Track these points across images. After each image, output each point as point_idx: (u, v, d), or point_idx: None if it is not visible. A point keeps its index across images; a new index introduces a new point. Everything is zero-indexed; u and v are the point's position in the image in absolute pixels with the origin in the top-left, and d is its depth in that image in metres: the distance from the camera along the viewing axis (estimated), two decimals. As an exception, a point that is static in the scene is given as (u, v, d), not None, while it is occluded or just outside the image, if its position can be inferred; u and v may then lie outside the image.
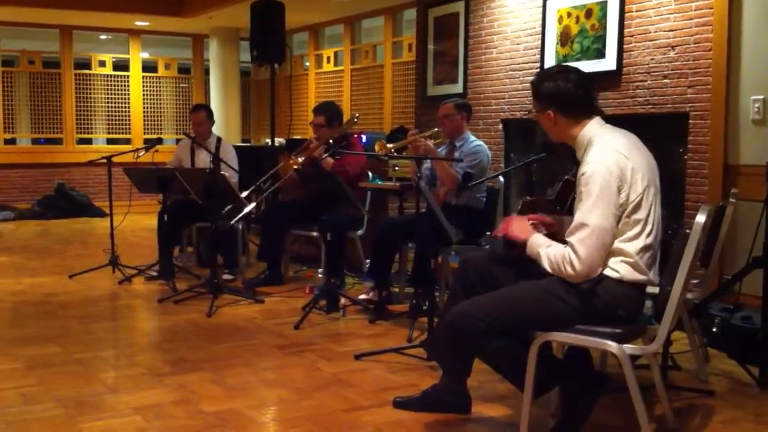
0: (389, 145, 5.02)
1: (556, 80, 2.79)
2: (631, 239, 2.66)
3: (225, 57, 11.08)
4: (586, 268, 2.62)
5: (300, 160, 5.35)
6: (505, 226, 2.92)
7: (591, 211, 2.61)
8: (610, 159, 2.64)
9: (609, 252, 2.66)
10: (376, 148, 5.01)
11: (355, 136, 6.55)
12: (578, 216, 2.65)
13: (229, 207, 5.26)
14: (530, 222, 2.92)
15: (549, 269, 2.70)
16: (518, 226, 2.87)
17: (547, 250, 2.72)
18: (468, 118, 5.16)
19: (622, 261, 2.67)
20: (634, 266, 2.67)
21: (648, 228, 2.67)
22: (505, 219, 3.00)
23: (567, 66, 2.93)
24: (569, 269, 2.63)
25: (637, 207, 2.65)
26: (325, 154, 5.33)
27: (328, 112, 5.70)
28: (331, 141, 5.48)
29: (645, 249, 2.68)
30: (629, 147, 2.71)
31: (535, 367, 2.74)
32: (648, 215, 2.67)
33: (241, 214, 5.23)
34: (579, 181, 2.67)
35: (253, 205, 5.60)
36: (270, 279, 5.73)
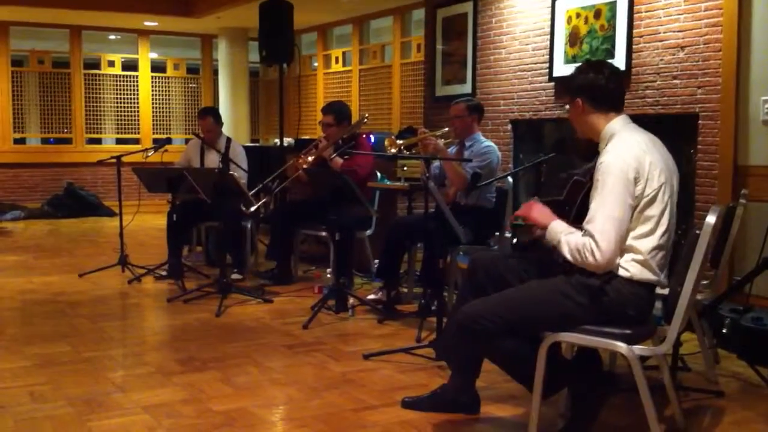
0: (399, 141, 5.01)
1: (589, 72, 2.84)
2: (643, 236, 2.66)
3: (234, 57, 11.10)
4: (607, 257, 2.61)
5: (309, 159, 5.35)
6: (526, 210, 2.92)
7: (606, 200, 2.62)
8: (629, 151, 2.66)
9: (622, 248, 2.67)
10: (386, 143, 5.00)
11: (363, 136, 6.56)
12: (594, 206, 2.65)
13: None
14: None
15: (569, 257, 2.69)
16: (539, 211, 2.87)
17: (567, 237, 2.71)
18: (479, 119, 5.14)
19: (633, 259, 2.67)
20: (644, 265, 2.67)
21: (661, 228, 2.67)
22: (526, 204, 3.00)
23: (602, 61, 2.98)
24: (590, 258, 2.62)
25: (651, 202, 2.65)
26: (334, 154, 5.34)
27: (337, 111, 5.67)
28: (340, 141, 5.49)
29: (657, 248, 2.67)
30: (650, 144, 2.73)
31: (544, 368, 2.74)
32: (662, 214, 2.67)
33: (255, 206, 5.17)
34: (597, 171, 2.69)
35: (262, 202, 5.60)
36: (278, 278, 5.76)
